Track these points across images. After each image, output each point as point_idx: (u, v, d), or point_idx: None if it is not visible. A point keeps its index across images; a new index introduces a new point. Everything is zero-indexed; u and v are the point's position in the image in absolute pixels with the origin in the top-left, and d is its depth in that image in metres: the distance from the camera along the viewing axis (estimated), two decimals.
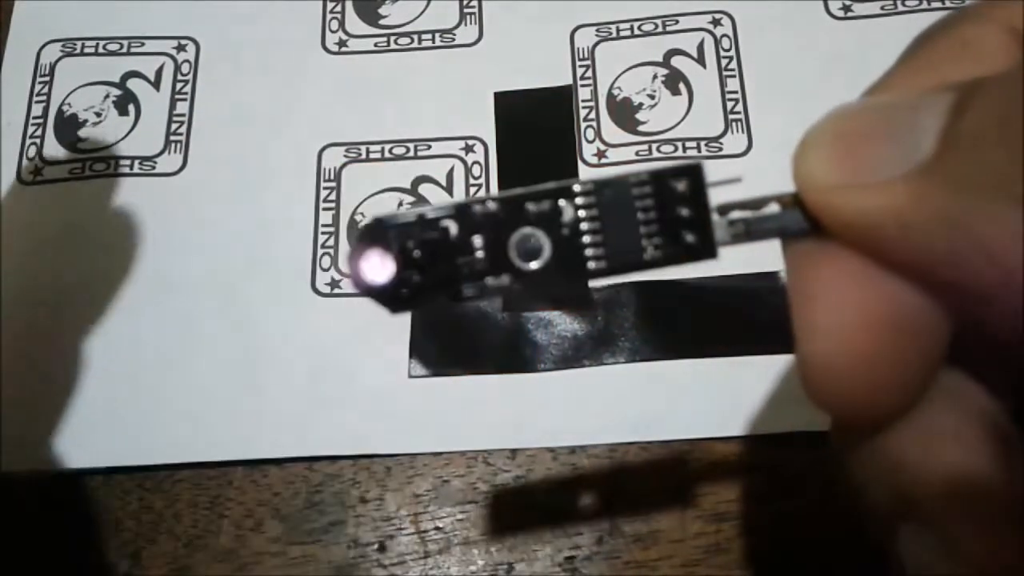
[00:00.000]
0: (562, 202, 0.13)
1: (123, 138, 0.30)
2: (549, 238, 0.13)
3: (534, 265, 0.13)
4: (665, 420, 0.25)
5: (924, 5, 0.30)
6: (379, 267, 0.13)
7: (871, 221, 0.11)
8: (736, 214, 0.13)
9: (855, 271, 0.12)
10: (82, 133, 0.30)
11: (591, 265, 0.13)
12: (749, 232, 0.13)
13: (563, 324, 0.27)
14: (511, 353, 0.26)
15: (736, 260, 0.27)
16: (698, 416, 0.25)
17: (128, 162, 0.29)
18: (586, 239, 0.13)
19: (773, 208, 0.13)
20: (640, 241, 0.13)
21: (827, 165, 0.12)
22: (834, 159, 0.12)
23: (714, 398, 0.25)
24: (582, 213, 0.13)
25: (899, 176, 0.11)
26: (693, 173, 0.13)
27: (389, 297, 0.12)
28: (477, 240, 0.13)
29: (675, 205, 0.13)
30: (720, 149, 0.29)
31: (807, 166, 0.12)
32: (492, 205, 0.13)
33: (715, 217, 0.13)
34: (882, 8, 0.30)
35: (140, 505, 0.25)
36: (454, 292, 0.13)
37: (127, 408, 0.26)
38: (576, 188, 0.13)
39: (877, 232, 0.11)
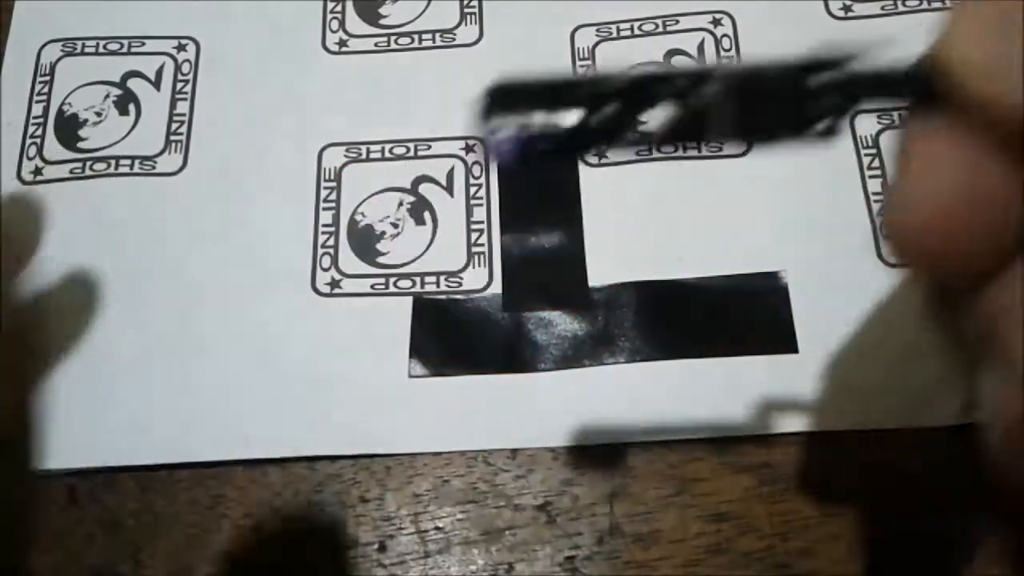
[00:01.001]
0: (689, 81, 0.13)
1: (123, 138, 0.30)
2: (678, 104, 0.13)
3: (654, 126, 0.13)
4: (665, 420, 0.25)
5: (924, 5, 0.30)
6: (505, 132, 0.13)
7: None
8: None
9: (966, 145, 0.12)
10: (82, 133, 0.30)
11: (709, 130, 0.13)
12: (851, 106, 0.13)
13: (563, 324, 0.27)
14: (511, 353, 0.26)
15: (736, 260, 0.27)
16: (698, 416, 0.25)
17: (128, 162, 0.29)
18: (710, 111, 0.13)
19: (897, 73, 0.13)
20: (767, 116, 0.13)
21: (986, 51, 0.12)
22: (993, 46, 0.11)
23: (714, 398, 0.25)
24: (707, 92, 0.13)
25: None
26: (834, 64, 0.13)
27: (516, 158, 0.13)
28: (607, 106, 0.13)
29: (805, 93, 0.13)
30: (720, 149, 0.28)
31: (961, 47, 0.12)
32: (621, 82, 0.13)
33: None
34: (882, 8, 0.30)
35: (140, 505, 0.25)
36: (576, 152, 0.14)
37: (126, 408, 0.26)
38: (714, 72, 0.13)
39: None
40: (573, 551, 0.24)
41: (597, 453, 0.25)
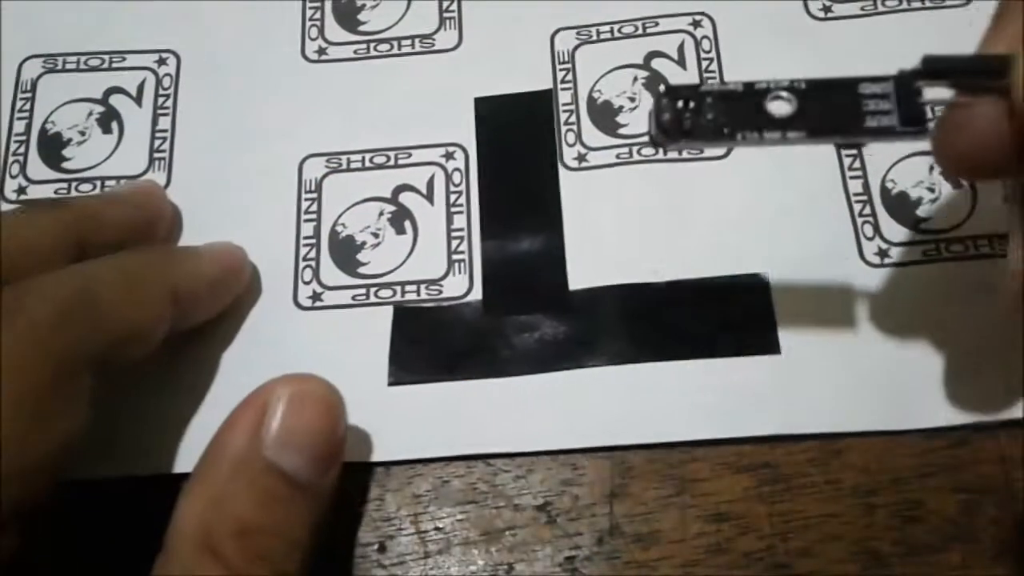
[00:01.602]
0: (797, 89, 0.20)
1: (107, 158, 0.30)
2: (796, 100, 0.19)
3: (785, 111, 0.19)
4: (665, 419, 0.25)
5: (904, 5, 0.30)
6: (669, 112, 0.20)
7: None
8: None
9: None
10: (67, 152, 0.30)
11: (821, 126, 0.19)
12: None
13: (544, 328, 0.27)
14: (492, 358, 0.26)
15: (717, 261, 0.27)
16: (697, 416, 0.25)
17: (113, 183, 0.30)
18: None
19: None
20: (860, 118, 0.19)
21: None
22: None
23: (696, 400, 0.25)
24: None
25: None
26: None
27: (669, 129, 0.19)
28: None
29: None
30: (700, 152, 0.28)
31: None
32: (738, 87, 0.20)
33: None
34: (862, 9, 0.30)
35: (134, 515, 0.25)
36: (725, 135, 0.19)
37: (111, 421, 0.26)
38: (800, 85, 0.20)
39: None
40: (573, 551, 0.24)
41: (597, 453, 0.25)
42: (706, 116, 0.19)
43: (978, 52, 0.19)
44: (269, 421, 0.21)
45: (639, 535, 0.24)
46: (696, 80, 0.19)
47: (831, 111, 0.19)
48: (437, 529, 0.25)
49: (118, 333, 0.22)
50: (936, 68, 0.19)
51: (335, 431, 0.22)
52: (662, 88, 0.20)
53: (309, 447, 0.21)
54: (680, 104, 0.19)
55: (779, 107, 0.19)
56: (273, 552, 0.20)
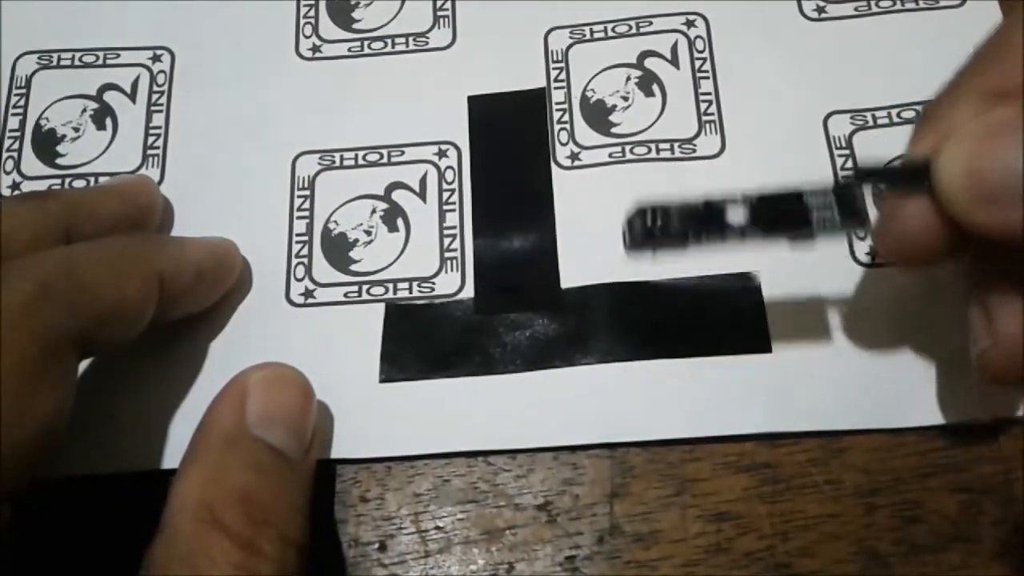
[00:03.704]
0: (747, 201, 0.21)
1: (101, 154, 0.30)
2: (746, 208, 0.21)
3: (741, 220, 0.21)
4: (657, 417, 0.25)
5: (898, 6, 0.30)
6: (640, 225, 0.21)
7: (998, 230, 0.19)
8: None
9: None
10: (61, 148, 0.30)
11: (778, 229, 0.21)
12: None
13: (536, 326, 0.27)
14: (483, 356, 0.26)
15: (709, 260, 0.27)
16: (689, 414, 0.25)
17: (107, 179, 0.29)
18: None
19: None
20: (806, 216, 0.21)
21: (965, 194, 0.19)
22: (970, 192, 0.19)
23: (687, 398, 0.25)
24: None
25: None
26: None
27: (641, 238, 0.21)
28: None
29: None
30: (693, 151, 0.28)
31: (948, 191, 0.19)
32: (699, 205, 0.21)
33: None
34: (856, 9, 0.30)
35: (132, 511, 0.25)
36: (684, 241, 0.21)
37: (101, 418, 0.26)
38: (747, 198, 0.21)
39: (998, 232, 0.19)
40: (573, 551, 0.24)
41: (597, 453, 0.25)
42: (672, 226, 0.21)
43: (903, 157, 0.21)
44: (250, 402, 0.22)
45: (639, 535, 0.24)
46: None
47: (782, 216, 0.21)
48: (438, 528, 0.25)
49: (102, 311, 0.22)
50: (868, 176, 0.21)
51: (309, 408, 0.23)
52: (634, 205, 0.22)
53: (290, 422, 0.22)
54: (649, 218, 0.21)
55: (736, 215, 0.21)
56: (276, 516, 0.21)
